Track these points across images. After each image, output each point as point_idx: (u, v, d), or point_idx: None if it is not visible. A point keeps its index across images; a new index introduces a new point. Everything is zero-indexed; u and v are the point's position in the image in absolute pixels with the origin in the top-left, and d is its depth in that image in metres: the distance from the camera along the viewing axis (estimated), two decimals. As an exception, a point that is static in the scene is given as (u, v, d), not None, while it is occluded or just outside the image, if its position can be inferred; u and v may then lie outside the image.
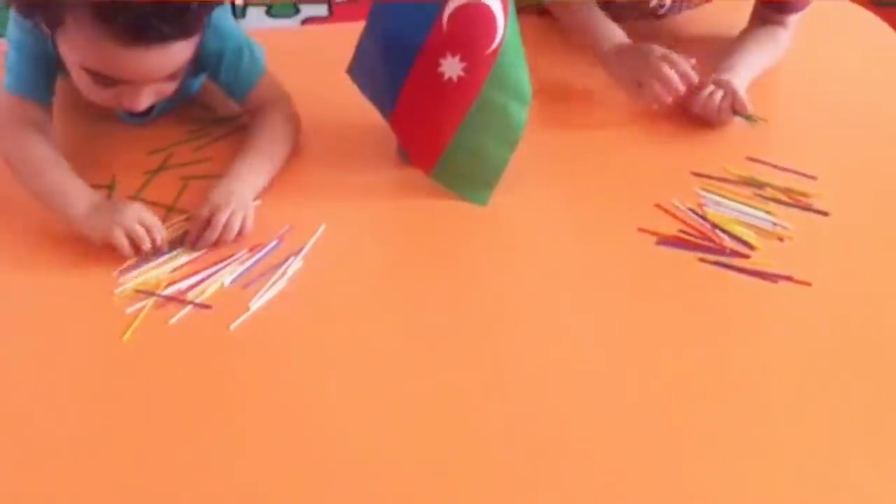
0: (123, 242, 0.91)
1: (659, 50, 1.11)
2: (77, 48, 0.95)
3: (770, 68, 1.21)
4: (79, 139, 1.10)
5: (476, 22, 0.93)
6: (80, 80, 0.98)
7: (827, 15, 1.35)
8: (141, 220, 0.93)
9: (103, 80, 0.96)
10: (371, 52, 1.00)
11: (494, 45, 0.94)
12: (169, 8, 0.90)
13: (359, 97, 1.04)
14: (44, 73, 1.03)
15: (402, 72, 0.97)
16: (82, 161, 1.04)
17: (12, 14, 1.01)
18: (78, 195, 0.96)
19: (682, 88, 1.09)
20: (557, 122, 1.14)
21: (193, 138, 1.10)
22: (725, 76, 1.13)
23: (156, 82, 0.98)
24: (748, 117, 1.10)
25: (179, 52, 0.96)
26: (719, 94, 1.11)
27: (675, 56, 1.10)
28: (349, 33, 1.08)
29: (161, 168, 1.05)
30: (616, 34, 1.19)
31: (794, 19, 1.25)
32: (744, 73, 1.16)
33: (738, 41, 1.24)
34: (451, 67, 0.95)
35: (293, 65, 1.24)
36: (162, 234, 0.93)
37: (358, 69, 1.04)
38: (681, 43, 1.23)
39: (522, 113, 1.00)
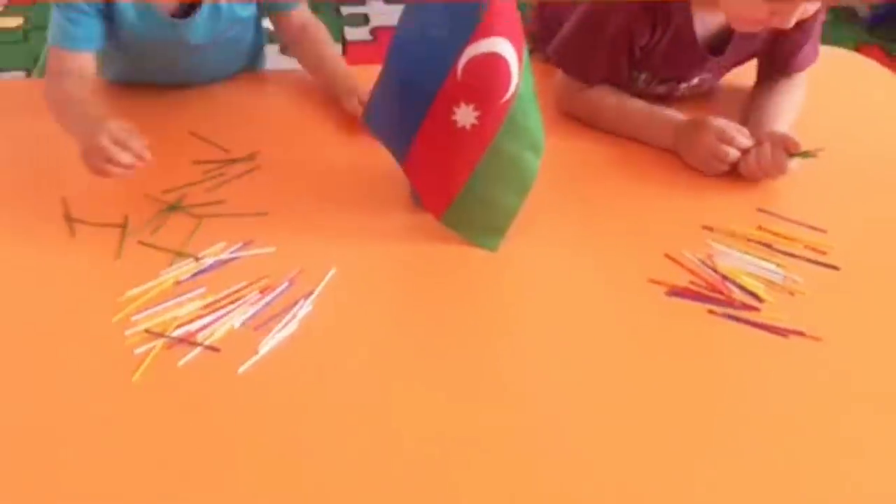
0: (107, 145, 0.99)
1: (714, 126, 1.11)
2: None
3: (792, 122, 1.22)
4: (93, 177, 1.10)
5: (490, 72, 0.93)
6: None
7: (837, 67, 1.36)
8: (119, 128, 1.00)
9: None
10: (386, 98, 1.02)
11: (508, 95, 0.95)
12: None
13: (372, 141, 1.05)
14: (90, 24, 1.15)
15: (416, 119, 0.98)
16: (95, 199, 1.05)
17: None
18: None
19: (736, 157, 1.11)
20: (568, 171, 1.14)
21: (207, 178, 1.11)
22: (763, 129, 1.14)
23: None
24: (804, 154, 1.10)
25: None
26: (767, 148, 1.10)
27: (729, 130, 1.11)
28: (362, 74, 1.09)
29: (174, 208, 1.06)
30: (667, 114, 1.19)
31: (803, 76, 1.27)
32: (776, 126, 1.17)
33: (757, 100, 1.24)
34: (465, 116, 0.96)
35: (307, 106, 1.26)
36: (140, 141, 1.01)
37: (372, 115, 1.05)
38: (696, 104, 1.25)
39: (535, 162, 1.01)
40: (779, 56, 1.25)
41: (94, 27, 1.17)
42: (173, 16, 1.18)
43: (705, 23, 1.19)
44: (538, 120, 1.00)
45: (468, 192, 1.01)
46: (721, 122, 1.12)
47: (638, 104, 1.21)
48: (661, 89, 1.27)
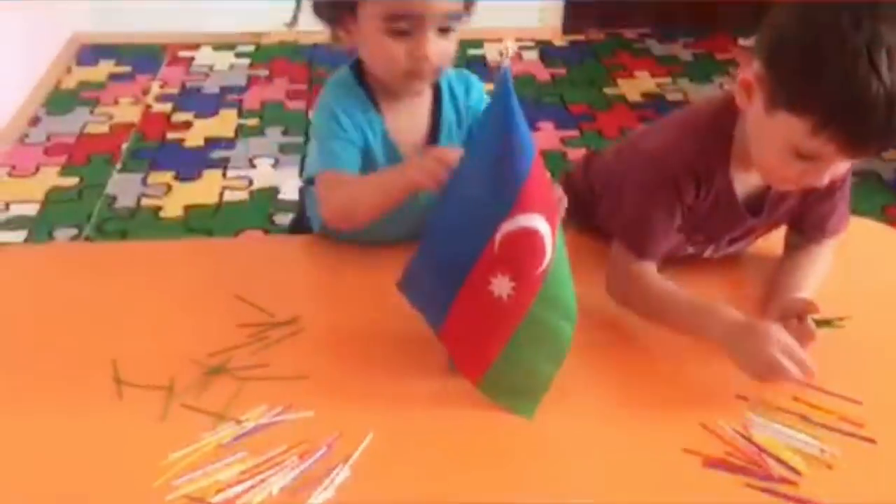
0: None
1: (776, 337, 1.04)
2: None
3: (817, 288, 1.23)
4: (138, 338, 1.15)
5: (526, 245, 0.97)
6: (388, 48, 1.18)
7: (864, 236, 1.39)
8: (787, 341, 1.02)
9: (398, 27, 1.16)
10: (423, 268, 1.06)
11: (543, 266, 0.98)
12: None
13: (408, 306, 1.09)
14: (354, 152, 1.26)
15: (452, 288, 1.02)
16: (144, 361, 1.09)
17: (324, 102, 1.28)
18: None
19: (802, 378, 1.03)
20: (603, 337, 1.17)
21: (251, 342, 1.15)
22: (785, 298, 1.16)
23: (437, 18, 1.17)
24: (830, 323, 1.11)
25: None
26: (793, 319, 1.11)
27: (792, 344, 1.04)
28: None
29: (218, 371, 1.09)
30: (721, 310, 1.11)
31: (832, 243, 1.29)
32: (802, 292, 1.19)
33: (785, 268, 1.26)
34: (502, 286, 0.99)
35: (348, 270, 1.31)
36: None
37: (408, 283, 1.09)
38: (723, 273, 1.28)
39: (569, 331, 1.03)
40: (809, 222, 1.28)
41: (356, 159, 1.26)
42: None
43: (743, 183, 1.21)
44: (571, 289, 1.03)
45: (505, 359, 1.03)
46: (787, 336, 1.05)
47: (685, 293, 1.16)
48: (691, 250, 1.29)
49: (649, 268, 1.20)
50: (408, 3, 1.17)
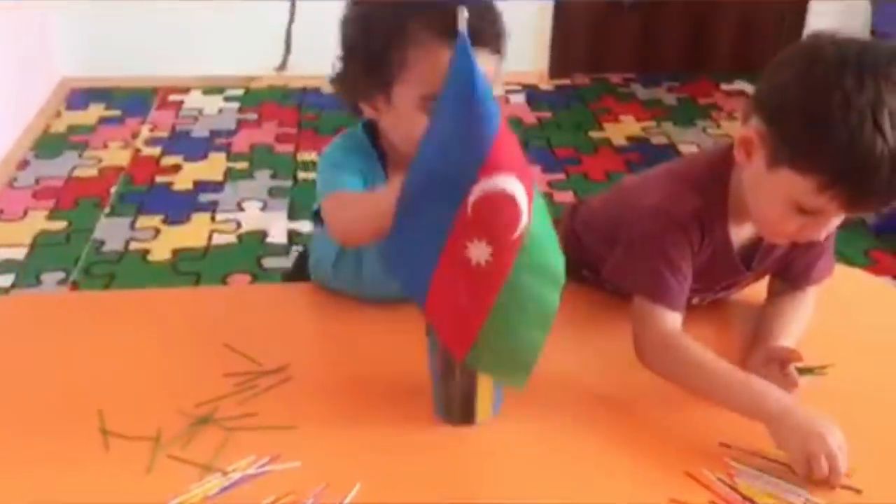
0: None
1: (834, 438, 1.00)
2: (419, 78, 1.14)
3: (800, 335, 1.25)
4: (125, 388, 1.15)
5: (499, 207, 0.95)
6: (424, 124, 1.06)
7: (847, 284, 1.41)
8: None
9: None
10: (403, 242, 1.03)
11: (520, 230, 0.97)
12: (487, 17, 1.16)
13: (397, 355, 1.09)
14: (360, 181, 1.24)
15: (432, 258, 0.99)
16: (131, 412, 1.09)
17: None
18: None
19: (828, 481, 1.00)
20: (586, 388, 1.18)
21: (239, 391, 1.15)
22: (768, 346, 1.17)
23: None
24: (812, 371, 1.12)
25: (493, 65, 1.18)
26: (775, 366, 1.13)
27: (841, 458, 1.00)
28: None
29: (205, 421, 1.09)
30: (774, 391, 1.07)
31: (815, 290, 1.31)
32: (785, 340, 1.20)
33: (769, 314, 1.28)
34: (479, 252, 0.96)
35: (337, 319, 1.31)
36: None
37: (392, 260, 1.06)
38: (707, 318, 1.29)
39: (554, 294, 1.01)
40: (794, 270, 1.29)
41: (361, 186, 1.25)
42: None
43: (736, 235, 1.22)
44: (555, 252, 1.01)
45: (489, 329, 1.00)
46: (836, 441, 1.00)
47: (728, 366, 1.12)
48: None
49: (678, 326, 1.17)
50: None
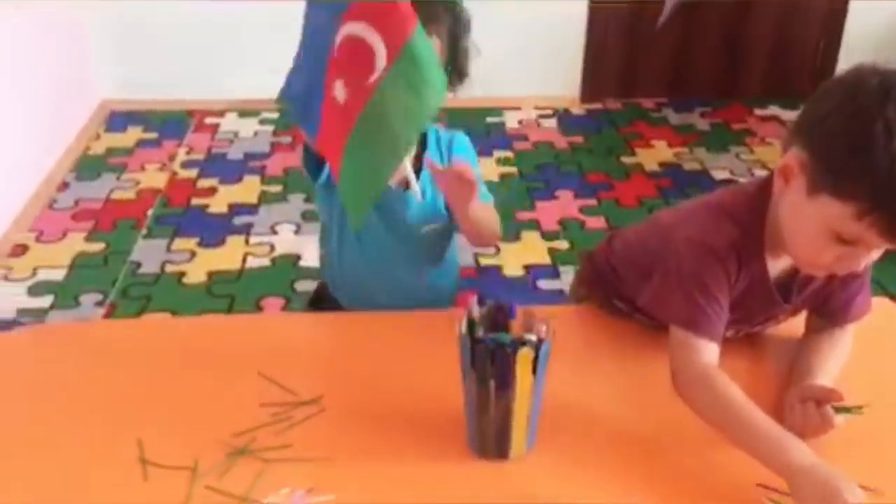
0: None
1: (854, 498, 0.98)
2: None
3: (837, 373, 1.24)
4: (163, 417, 1.17)
5: (355, 51, 1.11)
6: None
7: (885, 318, 1.40)
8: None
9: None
10: (299, 84, 1.19)
11: (375, 76, 1.11)
12: None
13: (431, 385, 1.10)
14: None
15: (318, 97, 1.15)
16: (169, 441, 1.11)
17: None
18: None
19: None
20: (624, 420, 1.18)
21: (275, 421, 1.16)
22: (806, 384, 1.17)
23: None
24: (850, 410, 1.11)
25: None
26: (812, 404, 1.12)
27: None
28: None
29: (242, 452, 1.11)
30: (798, 445, 1.06)
31: (852, 327, 1.30)
32: (822, 378, 1.20)
33: (806, 351, 1.27)
34: (340, 91, 1.13)
35: (372, 349, 1.33)
36: None
37: (292, 106, 1.24)
38: (742, 353, 1.29)
39: (407, 134, 1.17)
40: (833, 305, 1.28)
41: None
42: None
43: (773, 268, 1.22)
44: (419, 99, 1.14)
45: (346, 158, 1.17)
46: (856, 497, 0.99)
47: (759, 412, 1.10)
48: None
49: (714, 359, 1.17)
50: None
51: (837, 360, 1.26)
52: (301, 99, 1.21)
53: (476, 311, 1.09)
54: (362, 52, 1.09)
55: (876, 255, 1.13)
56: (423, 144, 1.47)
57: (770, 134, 3.94)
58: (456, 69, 1.41)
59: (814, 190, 1.08)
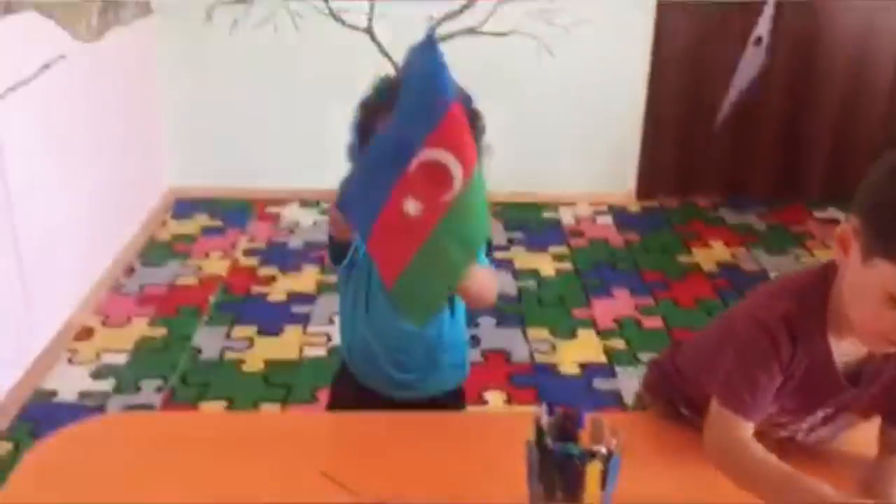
0: None
1: None
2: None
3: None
4: None
5: (434, 174, 1.18)
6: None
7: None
8: None
9: None
10: (357, 190, 1.25)
11: (449, 196, 1.19)
12: None
13: (490, 478, 1.08)
14: None
15: (378, 205, 1.21)
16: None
17: None
18: None
19: None
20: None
21: (338, 522, 1.16)
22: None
23: None
24: None
25: None
26: None
27: None
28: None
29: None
30: (822, 488, 1.09)
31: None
32: None
33: (881, 470, 1.24)
34: (412, 207, 1.20)
35: (438, 451, 1.32)
36: None
37: (345, 204, 1.29)
38: (812, 465, 1.26)
39: (464, 258, 1.25)
40: None
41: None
42: None
43: (839, 351, 1.21)
44: (480, 225, 1.25)
45: (409, 270, 1.23)
46: None
47: (784, 465, 1.14)
48: (783, 433, 1.28)
49: (748, 431, 1.19)
50: None
51: None
52: (358, 202, 1.28)
53: (545, 419, 1.09)
54: (441, 175, 1.19)
55: None
56: None
57: (831, 237, 3.89)
58: None
59: (868, 255, 1.10)
